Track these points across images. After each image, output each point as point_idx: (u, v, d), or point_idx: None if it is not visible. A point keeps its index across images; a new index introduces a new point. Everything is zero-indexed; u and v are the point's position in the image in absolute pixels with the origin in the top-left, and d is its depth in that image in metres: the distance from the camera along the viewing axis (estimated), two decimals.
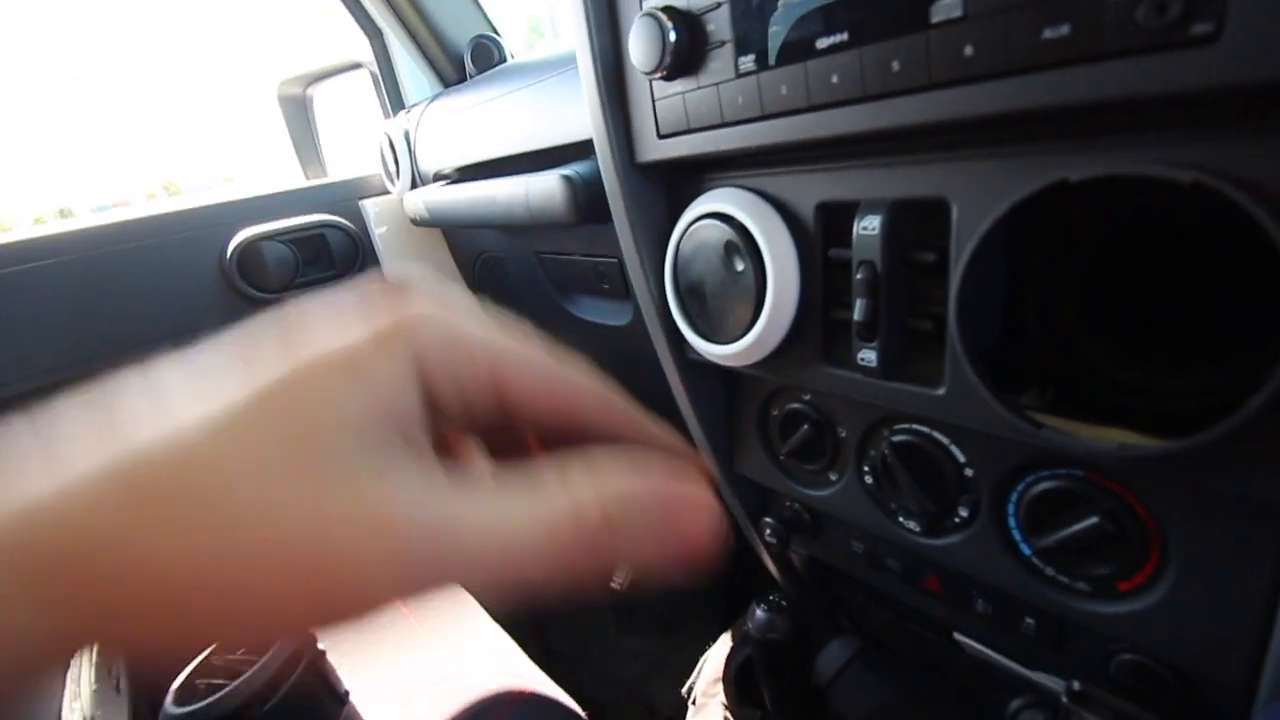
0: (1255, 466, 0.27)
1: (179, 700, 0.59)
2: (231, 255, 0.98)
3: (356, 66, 1.23)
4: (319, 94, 1.34)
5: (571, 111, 0.65)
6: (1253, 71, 0.22)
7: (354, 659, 0.71)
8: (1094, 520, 0.36)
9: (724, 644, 0.80)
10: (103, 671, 0.64)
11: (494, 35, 1.10)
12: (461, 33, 1.10)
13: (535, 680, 0.68)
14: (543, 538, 0.16)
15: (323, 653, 0.66)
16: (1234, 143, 0.25)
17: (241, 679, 0.58)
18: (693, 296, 0.49)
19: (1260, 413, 0.25)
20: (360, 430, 0.15)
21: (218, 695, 0.57)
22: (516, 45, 1.11)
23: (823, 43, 0.33)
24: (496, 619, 0.80)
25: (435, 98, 1.01)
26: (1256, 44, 0.22)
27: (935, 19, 0.29)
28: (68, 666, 0.62)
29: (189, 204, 1.02)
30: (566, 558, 0.16)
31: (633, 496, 0.18)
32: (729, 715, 0.71)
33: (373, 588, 0.15)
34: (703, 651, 0.84)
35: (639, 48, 0.41)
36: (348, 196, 1.11)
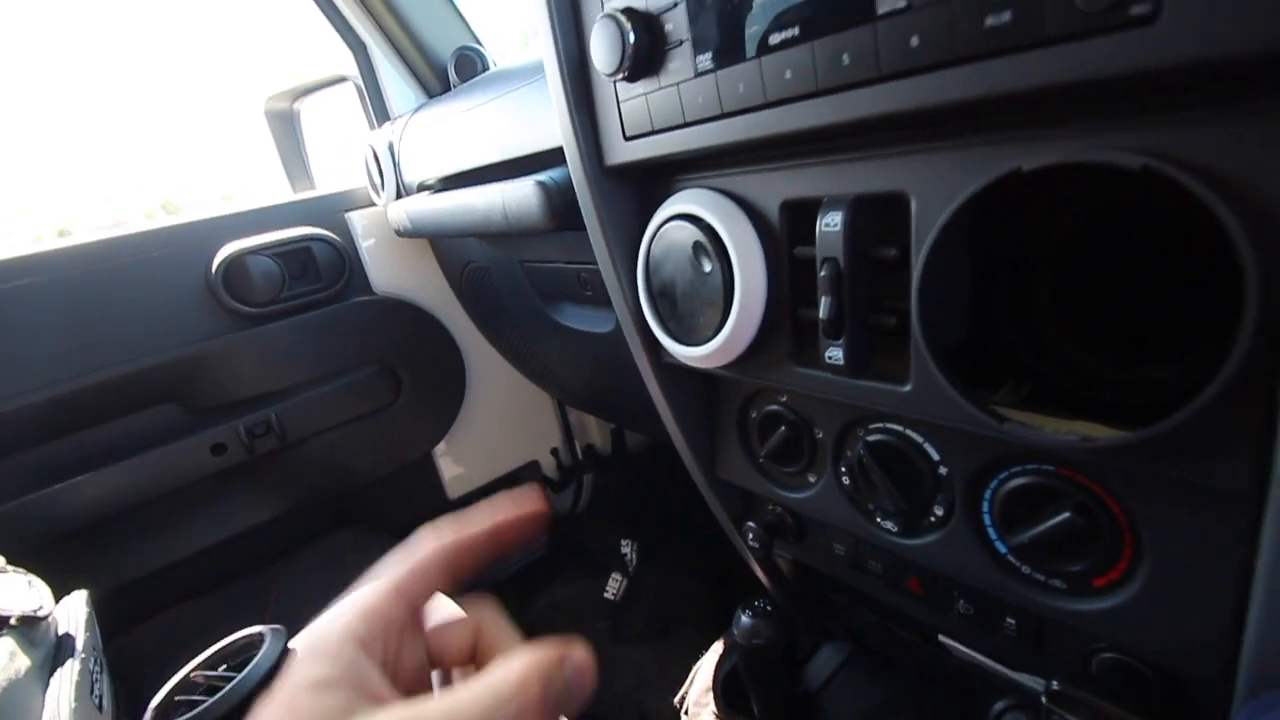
0: (1213, 456, 0.27)
1: (159, 716, 0.58)
2: (217, 270, 0.98)
3: (342, 80, 1.24)
4: (306, 108, 1.34)
5: (545, 118, 0.65)
6: (1193, 50, 0.22)
7: None
8: (1066, 515, 0.35)
9: (716, 652, 0.79)
10: (83, 690, 0.63)
11: (477, 46, 1.11)
12: (445, 44, 1.11)
13: None
14: (508, 695, 0.22)
15: None
16: (1182, 128, 0.25)
17: (220, 694, 0.58)
18: (665, 299, 0.49)
19: (1214, 403, 0.25)
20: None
21: (196, 711, 0.56)
22: (510, 58, 1.12)
23: (775, 38, 0.33)
24: None
25: (419, 109, 1.01)
26: (1195, 22, 0.22)
27: (881, 10, 0.28)
28: (47, 686, 0.61)
29: (174, 220, 1.02)
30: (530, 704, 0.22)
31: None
32: None
33: None
34: (696, 660, 0.83)
35: (600, 49, 0.41)
36: (334, 209, 1.11)
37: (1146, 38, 0.22)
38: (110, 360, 0.93)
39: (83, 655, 0.66)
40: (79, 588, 0.73)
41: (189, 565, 1.04)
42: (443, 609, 0.29)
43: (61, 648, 0.67)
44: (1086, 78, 0.24)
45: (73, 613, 0.70)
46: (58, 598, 0.70)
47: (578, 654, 0.24)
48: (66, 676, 0.62)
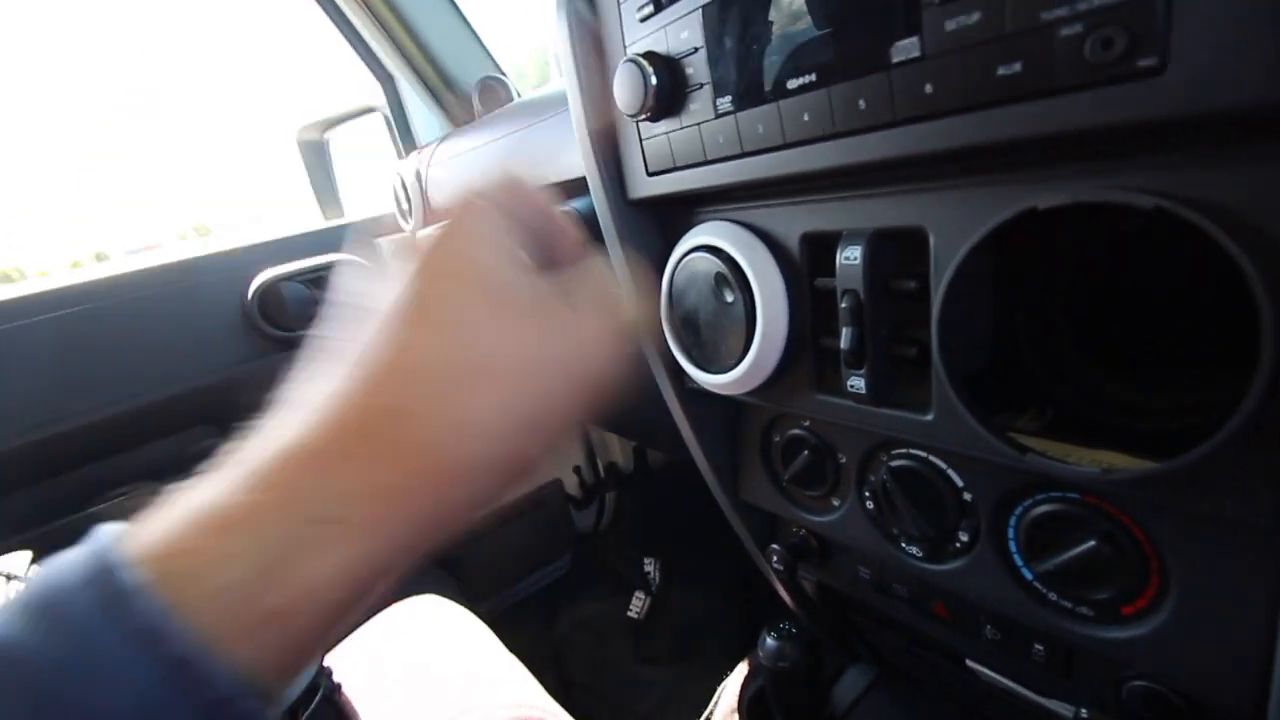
0: (1235, 489, 0.27)
1: None
2: (253, 296, 1.02)
3: (371, 111, 1.28)
4: (335, 138, 1.39)
5: (568, 150, 0.67)
6: (1198, 102, 0.23)
7: (369, 691, 0.71)
8: (1091, 544, 0.35)
9: (741, 674, 0.79)
10: None
11: (500, 76, 1.14)
12: (469, 75, 1.14)
13: (548, 711, 0.67)
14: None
15: (339, 685, 0.66)
16: (1195, 170, 0.26)
17: None
18: (688, 327, 0.50)
19: (1235, 437, 0.25)
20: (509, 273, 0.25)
21: None
22: (530, 84, 1.15)
23: (793, 83, 0.34)
24: (511, 648, 0.80)
25: (445, 138, 1.05)
26: (1200, 75, 0.22)
27: (896, 59, 0.29)
28: None
29: (211, 249, 1.06)
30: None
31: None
32: None
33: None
34: (719, 681, 0.83)
35: (623, 92, 0.43)
36: (364, 236, 1.15)
37: (1153, 88, 0.23)
38: (153, 383, 0.96)
39: None
40: None
41: None
42: None
43: None
44: (1095, 126, 0.25)
45: None
46: None
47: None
48: None
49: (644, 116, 0.43)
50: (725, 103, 0.39)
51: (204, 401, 1.00)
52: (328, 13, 1.10)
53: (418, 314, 0.23)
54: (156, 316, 0.98)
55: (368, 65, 1.18)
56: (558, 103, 0.73)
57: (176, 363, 0.99)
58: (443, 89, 1.15)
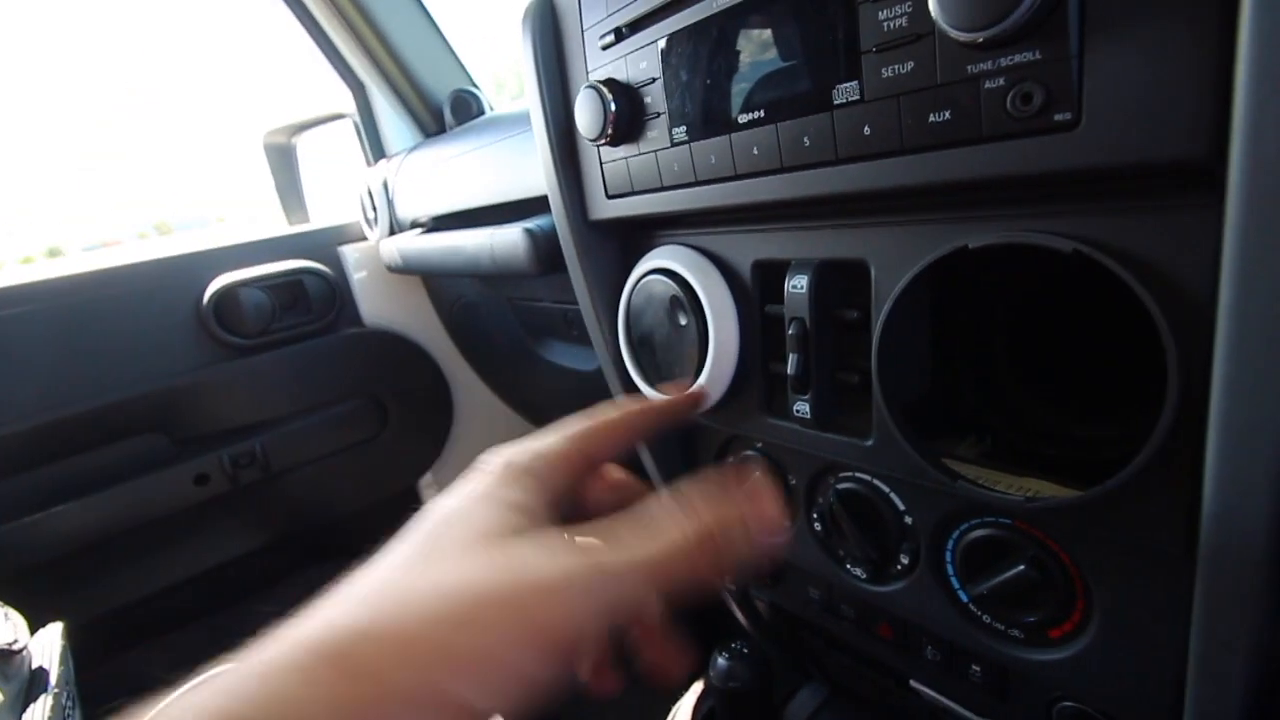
0: (1146, 518, 0.29)
1: None
2: (209, 302, 0.99)
3: (341, 117, 1.27)
4: (303, 143, 1.37)
5: (533, 168, 0.68)
6: (1109, 155, 0.24)
7: None
8: (1021, 568, 0.36)
9: (695, 694, 0.79)
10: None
11: (473, 89, 1.14)
12: (441, 85, 1.14)
13: None
14: (672, 551, 0.23)
15: None
16: (1110, 218, 0.27)
17: None
18: (644, 347, 0.51)
19: (1146, 467, 0.27)
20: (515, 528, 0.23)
21: None
22: (509, 95, 1.15)
23: (744, 118, 0.36)
24: None
25: (414, 148, 1.04)
26: (1109, 130, 0.24)
27: (837, 101, 0.31)
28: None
29: (166, 251, 1.03)
30: (690, 563, 0.23)
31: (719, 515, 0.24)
32: None
33: (573, 613, 0.21)
34: (675, 702, 0.83)
35: (584, 116, 0.44)
36: (326, 243, 1.13)
37: (1068, 141, 0.25)
38: (97, 390, 0.93)
39: (55, 690, 0.65)
40: (55, 619, 0.72)
41: (167, 597, 1.03)
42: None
43: (35, 682, 0.66)
44: (1016, 173, 0.26)
45: (47, 646, 0.70)
46: (33, 629, 0.70)
47: (766, 510, 0.25)
48: (39, 712, 0.62)
49: (603, 141, 0.44)
50: (680, 132, 0.40)
51: (153, 408, 0.97)
52: (299, 18, 1.10)
53: (387, 555, 0.24)
54: (107, 319, 0.95)
55: (339, 72, 1.17)
56: (526, 120, 0.73)
57: (126, 367, 0.96)
58: (414, 99, 1.15)
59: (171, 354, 0.98)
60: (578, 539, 0.23)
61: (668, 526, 0.23)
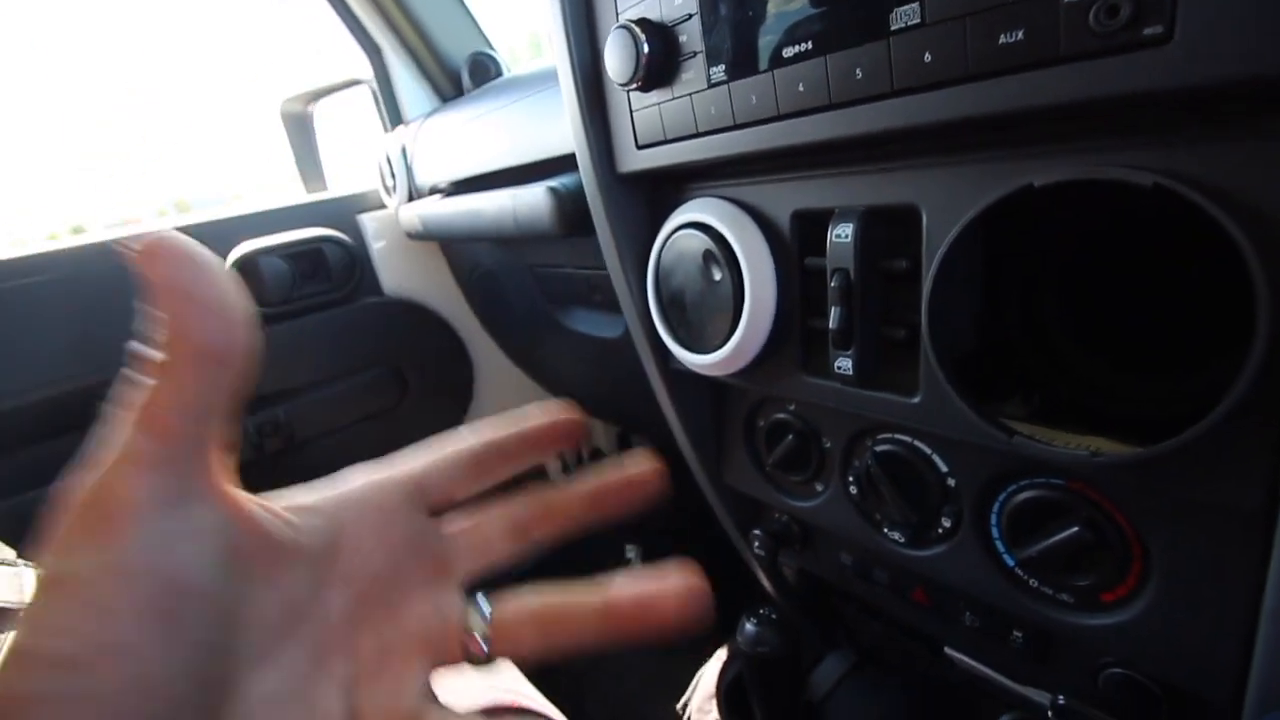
0: (1223, 473, 0.27)
1: None
2: (229, 270, 0.99)
3: (357, 83, 1.25)
4: (320, 111, 1.35)
5: (557, 124, 0.66)
6: (1204, 72, 0.22)
7: None
8: (1074, 530, 0.35)
9: (720, 659, 0.79)
10: None
11: (490, 51, 1.12)
12: (458, 49, 1.12)
13: (527, 695, 0.67)
14: None
15: None
16: (1194, 147, 0.25)
17: None
18: (674, 306, 0.49)
19: (1225, 420, 0.25)
20: None
21: None
22: (518, 57, 1.12)
23: (788, 52, 0.33)
24: None
25: (432, 113, 1.02)
26: (1206, 44, 0.22)
27: (895, 26, 0.29)
28: None
29: (186, 220, 1.03)
30: None
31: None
32: None
33: None
34: (700, 666, 0.83)
35: (614, 59, 0.42)
36: (346, 211, 1.12)
37: (1160, 58, 0.23)
38: (115, 361, 0.93)
39: None
40: None
41: None
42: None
43: None
44: (1098, 96, 0.24)
45: None
46: None
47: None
48: None
49: (635, 86, 0.42)
50: (719, 72, 0.38)
51: None
52: None
53: None
54: (125, 288, 0.95)
55: (354, 35, 1.14)
56: (547, 78, 0.71)
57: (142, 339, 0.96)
58: (431, 63, 1.12)
59: None
60: None
61: None
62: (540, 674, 1.16)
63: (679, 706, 0.80)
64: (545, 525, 0.23)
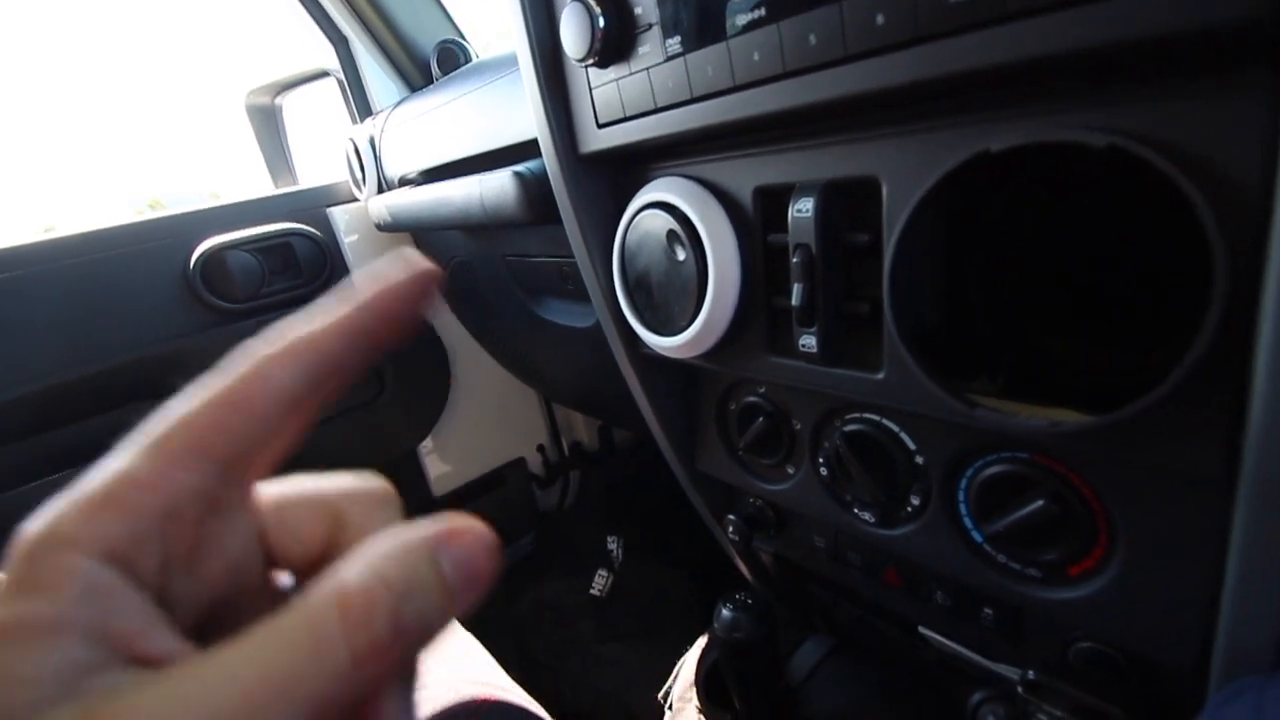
0: (1185, 439, 0.27)
1: None
2: (195, 265, 0.96)
3: (324, 75, 1.23)
4: (288, 103, 1.33)
5: (521, 109, 0.64)
6: (1155, 22, 0.21)
7: None
8: (1040, 503, 0.35)
9: (700, 647, 0.79)
10: None
11: (459, 39, 1.10)
12: (427, 37, 1.10)
13: (502, 687, 0.66)
14: (295, 655, 0.13)
15: None
16: (1147, 106, 0.25)
17: None
18: (640, 289, 0.48)
19: (1184, 384, 0.24)
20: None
21: None
22: (494, 49, 1.10)
23: (742, 19, 0.32)
24: (471, 628, 0.78)
25: (400, 103, 1.00)
26: None
27: None
28: None
29: (151, 215, 1.00)
30: (337, 659, 0.13)
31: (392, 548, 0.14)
32: (703, 719, 0.70)
33: None
34: (681, 655, 0.83)
35: (570, 34, 0.41)
36: (315, 204, 1.10)
37: (1109, 11, 0.22)
38: (84, 358, 0.91)
39: None
40: None
41: None
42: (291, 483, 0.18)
43: None
44: (1050, 53, 0.23)
45: None
46: None
47: (464, 540, 0.15)
48: None
49: (592, 61, 0.41)
50: (674, 44, 0.37)
51: (141, 376, 0.95)
52: None
53: None
54: (90, 285, 0.92)
55: (320, 26, 1.12)
56: (512, 62, 0.70)
57: (111, 334, 0.93)
58: (399, 52, 1.10)
59: (159, 320, 0.96)
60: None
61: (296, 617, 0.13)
62: (525, 669, 1.15)
63: (660, 695, 0.80)
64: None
